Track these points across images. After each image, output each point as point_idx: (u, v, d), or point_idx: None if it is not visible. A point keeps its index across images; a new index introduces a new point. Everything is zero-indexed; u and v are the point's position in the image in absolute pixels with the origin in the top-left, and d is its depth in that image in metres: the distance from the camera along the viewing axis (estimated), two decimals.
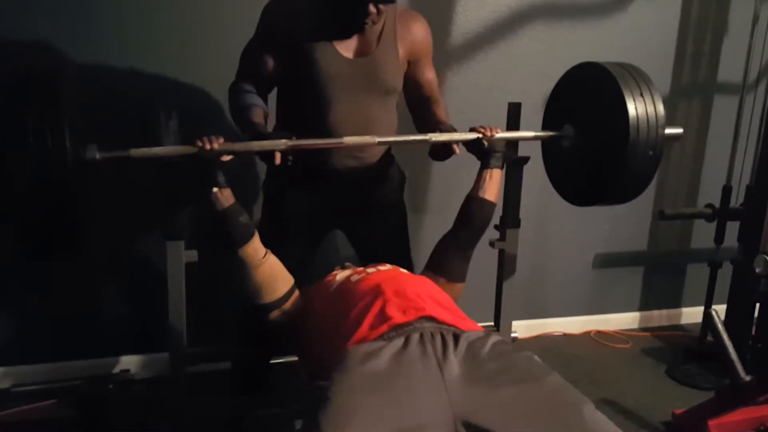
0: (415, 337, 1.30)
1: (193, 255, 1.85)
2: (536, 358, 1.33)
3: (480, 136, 1.90)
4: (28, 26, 2.22)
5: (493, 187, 1.91)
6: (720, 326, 2.02)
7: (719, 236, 2.81)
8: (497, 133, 1.92)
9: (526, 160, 2.16)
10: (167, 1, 2.35)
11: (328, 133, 1.83)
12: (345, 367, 1.23)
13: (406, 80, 1.98)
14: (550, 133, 2.05)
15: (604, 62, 1.93)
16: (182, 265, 1.85)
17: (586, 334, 3.19)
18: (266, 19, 1.87)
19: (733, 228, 2.76)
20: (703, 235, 3.04)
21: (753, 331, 2.61)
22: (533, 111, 2.17)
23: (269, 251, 1.69)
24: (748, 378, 1.99)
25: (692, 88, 3.11)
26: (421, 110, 2.03)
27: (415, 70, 1.98)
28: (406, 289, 1.50)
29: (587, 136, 1.97)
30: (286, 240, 1.95)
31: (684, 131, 1.94)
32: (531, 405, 1.18)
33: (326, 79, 1.82)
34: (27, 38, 2.22)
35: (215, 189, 1.63)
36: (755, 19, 2.79)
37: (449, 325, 1.39)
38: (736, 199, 2.79)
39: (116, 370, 2.49)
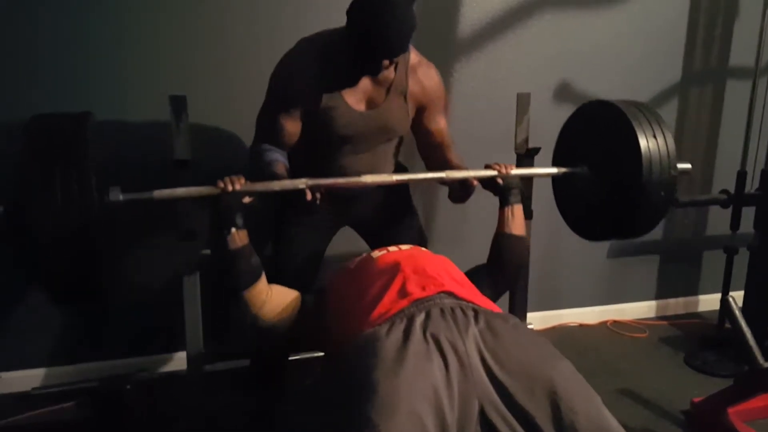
0: (436, 311, 1.34)
1: (208, 254, 1.85)
2: (551, 345, 1.37)
3: (496, 173, 1.90)
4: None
5: (518, 222, 1.91)
6: (737, 313, 2.00)
7: (735, 222, 2.77)
8: (512, 170, 1.93)
9: (537, 150, 2.16)
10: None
11: (338, 173, 1.85)
12: (377, 353, 1.24)
13: (417, 127, 1.99)
14: (565, 170, 2.05)
15: (617, 101, 1.95)
16: (198, 265, 1.86)
17: (603, 324, 3.18)
18: (278, 82, 1.87)
19: (748, 213, 2.73)
20: (718, 221, 3.01)
21: None
22: (543, 101, 2.15)
23: (272, 286, 1.68)
24: (766, 364, 1.97)
25: (704, 73, 3.08)
26: (433, 157, 2.04)
27: (426, 118, 1.98)
28: (425, 267, 1.54)
29: (600, 173, 1.98)
30: (298, 241, 1.98)
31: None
32: (545, 390, 1.22)
33: (339, 133, 1.85)
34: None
35: (234, 230, 1.62)
36: (767, 2, 2.75)
37: (468, 301, 1.43)
38: (752, 185, 2.76)
39: (133, 370, 2.50)
